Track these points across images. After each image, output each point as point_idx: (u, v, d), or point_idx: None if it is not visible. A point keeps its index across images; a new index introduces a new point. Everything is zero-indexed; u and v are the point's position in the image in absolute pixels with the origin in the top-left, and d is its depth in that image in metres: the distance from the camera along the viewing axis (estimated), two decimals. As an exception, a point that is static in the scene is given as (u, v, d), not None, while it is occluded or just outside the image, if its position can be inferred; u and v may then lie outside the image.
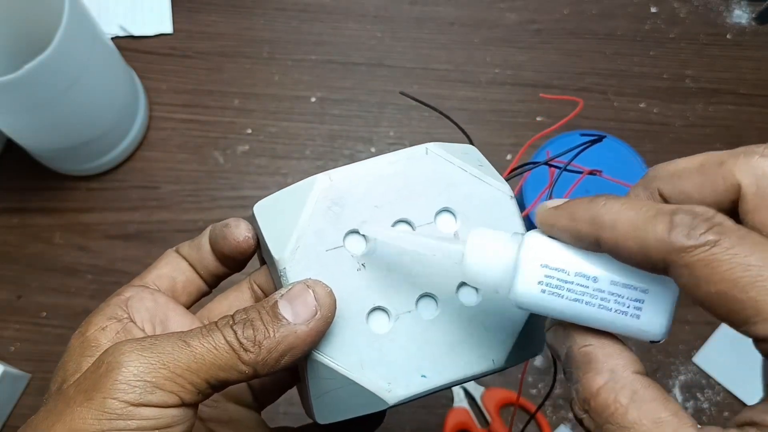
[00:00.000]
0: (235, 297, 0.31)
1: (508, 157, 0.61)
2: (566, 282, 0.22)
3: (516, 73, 0.64)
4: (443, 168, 0.27)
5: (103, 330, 0.27)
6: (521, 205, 0.58)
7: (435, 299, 0.27)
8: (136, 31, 0.64)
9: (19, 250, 0.58)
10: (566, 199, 0.22)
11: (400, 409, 0.56)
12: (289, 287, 0.25)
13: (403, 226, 0.27)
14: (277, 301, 0.25)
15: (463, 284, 0.27)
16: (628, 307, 0.21)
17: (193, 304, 0.31)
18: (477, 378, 0.27)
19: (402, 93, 0.37)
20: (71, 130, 0.55)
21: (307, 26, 0.65)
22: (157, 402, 0.22)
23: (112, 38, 0.63)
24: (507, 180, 0.30)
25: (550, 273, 0.22)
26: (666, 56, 0.64)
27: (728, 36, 0.65)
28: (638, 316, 0.21)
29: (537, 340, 0.28)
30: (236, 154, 0.61)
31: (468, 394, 0.53)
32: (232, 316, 0.25)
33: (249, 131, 0.61)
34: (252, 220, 0.29)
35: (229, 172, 0.60)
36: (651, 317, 0.21)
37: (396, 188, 0.27)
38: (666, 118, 0.62)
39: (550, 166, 0.32)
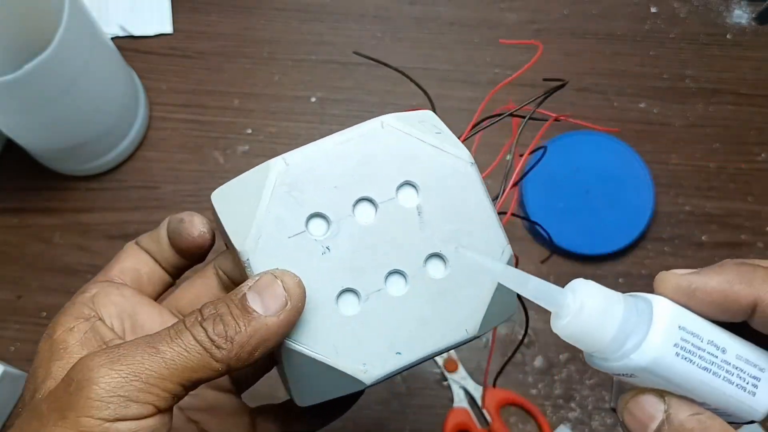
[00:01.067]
0: (202, 284, 0.30)
1: (508, 157, 0.60)
2: (699, 348, 0.22)
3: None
4: (400, 141, 0.27)
5: (70, 331, 0.26)
6: (520, 197, 0.58)
7: (403, 275, 0.27)
8: (136, 31, 0.64)
9: (19, 251, 0.58)
10: (695, 270, 0.22)
11: (399, 408, 0.56)
12: (256, 278, 0.24)
13: (366, 205, 0.27)
14: (245, 293, 0.24)
15: (431, 256, 0.27)
16: (747, 382, 0.21)
17: (160, 295, 0.31)
18: (453, 348, 0.27)
19: (356, 53, 0.37)
20: (71, 130, 0.55)
21: (307, 26, 0.65)
22: (133, 415, 0.22)
23: (112, 38, 0.63)
24: (467, 139, 0.29)
25: (686, 336, 0.22)
26: (666, 56, 0.64)
27: (728, 36, 0.65)
28: (754, 393, 0.21)
29: (506, 302, 0.28)
30: (236, 154, 0.61)
31: (468, 394, 0.53)
32: (201, 312, 0.24)
33: (249, 131, 0.61)
34: (211, 210, 0.28)
35: (230, 172, 0.60)
36: (764, 395, 0.21)
37: (354, 166, 0.26)
38: (666, 118, 0.62)
39: (514, 116, 0.32)
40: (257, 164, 0.63)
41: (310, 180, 0.26)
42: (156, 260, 0.30)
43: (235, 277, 0.30)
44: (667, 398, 0.22)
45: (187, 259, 0.30)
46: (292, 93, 0.63)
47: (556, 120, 0.31)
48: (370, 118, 0.67)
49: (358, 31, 0.65)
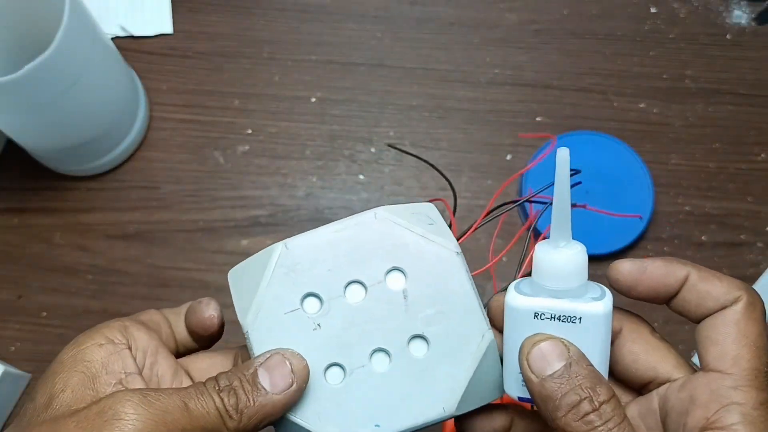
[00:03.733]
0: (220, 360, 0.32)
1: (509, 157, 0.61)
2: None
3: (516, 74, 0.64)
4: (391, 230, 0.29)
5: (99, 347, 0.28)
6: (520, 197, 0.58)
7: (387, 353, 0.29)
8: (137, 32, 0.64)
9: (20, 250, 0.58)
10: (641, 261, 0.29)
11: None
12: (267, 356, 0.27)
13: (356, 287, 0.29)
14: (256, 369, 0.27)
15: (413, 338, 0.29)
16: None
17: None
18: (430, 425, 0.29)
19: (389, 145, 0.39)
20: (71, 131, 0.55)
21: (307, 26, 0.65)
22: None
23: (113, 38, 0.63)
24: (483, 222, 0.32)
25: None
26: (666, 56, 0.64)
27: (728, 36, 0.65)
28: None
29: (488, 387, 0.30)
30: (236, 155, 0.61)
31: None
32: (217, 380, 0.26)
33: (249, 131, 0.61)
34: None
35: (230, 173, 0.60)
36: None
37: (346, 252, 0.29)
38: (666, 118, 0.62)
39: (532, 203, 0.33)
40: (257, 164, 0.63)
41: (306, 263, 0.29)
42: (172, 330, 0.33)
43: None
44: (571, 347, 0.26)
45: (196, 340, 0.33)
46: (292, 93, 0.63)
47: (574, 207, 0.33)
48: (369, 118, 0.67)
49: (358, 32, 0.65)
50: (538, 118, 0.62)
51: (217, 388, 0.26)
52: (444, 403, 0.29)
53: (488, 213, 0.32)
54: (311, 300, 0.29)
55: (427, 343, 0.29)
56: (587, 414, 0.25)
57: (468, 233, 0.31)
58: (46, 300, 0.56)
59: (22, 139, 0.55)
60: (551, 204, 0.28)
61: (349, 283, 0.29)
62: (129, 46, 0.63)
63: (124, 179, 0.60)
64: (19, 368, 0.53)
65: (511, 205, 0.33)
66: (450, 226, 0.31)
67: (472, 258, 0.31)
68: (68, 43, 0.47)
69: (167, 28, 0.65)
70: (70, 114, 0.53)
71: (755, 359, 0.26)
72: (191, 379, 0.31)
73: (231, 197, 0.59)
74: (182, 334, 0.33)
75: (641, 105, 0.62)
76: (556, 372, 0.26)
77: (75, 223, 0.59)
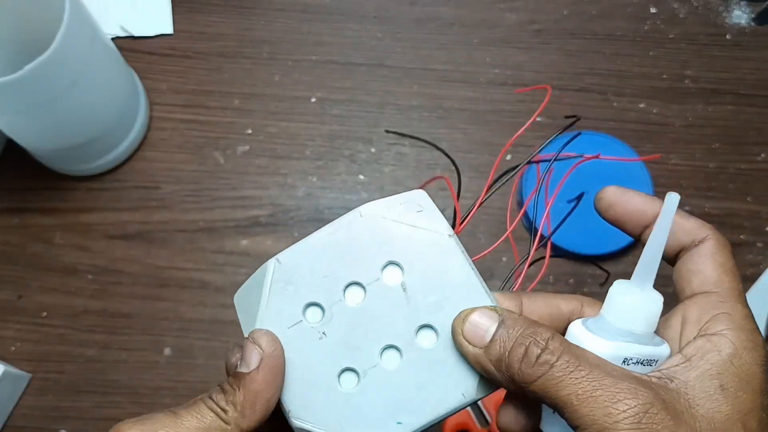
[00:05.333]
0: None
1: (509, 157, 0.61)
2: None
3: (516, 74, 0.64)
4: (378, 225, 0.29)
5: None
6: (519, 197, 0.58)
7: (397, 348, 0.29)
8: (137, 32, 0.64)
9: (20, 250, 0.58)
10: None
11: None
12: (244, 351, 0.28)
13: (355, 288, 0.29)
14: (237, 362, 0.28)
15: (420, 328, 0.29)
16: None
17: None
18: (453, 414, 0.29)
19: (387, 131, 0.38)
20: (71, 131, 0.55)
21: (307, 27, 0.65)
22: None
23: (113, 38, 0.63)
24: (491, 190, 0.32)
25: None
26: (665, 56, 0.64)
27: (728, 36, 0.65)
28: None
29: None
30: (236, 155, 0.61)
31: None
32: (211, 390, 0.28)
33: (249, 131, 0.62)
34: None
35: (230, 172, 0.60)
36: None
37: (338, 255, 0.29)
38: (666, 118, 0.62)
39: (539, 162, 0.33)
40: (257, 164, 0.63)
41: (301, 273, 0.29)
42: None
43: None
44: (500, 310, 0.28)
45: None
46: (292, 93, 0.63)
47: (590, 159, 0.33)
48: (369, 118, 0.67)
49: (358, 32, 0.65)
50: (538, 119, 0.62)
51: (207, 394, 0.27)
52: (463, 389, 0.28)
53: (489, 188, 0.32)
54: (312, 309, 0.29)
55: (435, 331, 0.29)
56: (539, 356, 0.25)
57: (472, 212, 0.31)
58: (46, 300, 0.56)
59: (22, 139, 0.55)
60: (555, 159, 0.28)
61: (347, 285, 0.29)
62: (129, 46, 0.63)
63: (124, 179, 0.60)
64: (19, 368, 0.54)
65: (511, 173, 0.32)
66: (454, 209, 0.31)
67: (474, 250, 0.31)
68: (68, 43, 0.47)
69: (167, 28, 0.65)
70: (70, 114, 0.53)
71: (735, 282, 0.28)
72: None
73: (231, 197, 0.59)
74: None
75: (641, 105, 0.62)
76: (494, 334, 0.27)
77: (75, 223, 0.59)
